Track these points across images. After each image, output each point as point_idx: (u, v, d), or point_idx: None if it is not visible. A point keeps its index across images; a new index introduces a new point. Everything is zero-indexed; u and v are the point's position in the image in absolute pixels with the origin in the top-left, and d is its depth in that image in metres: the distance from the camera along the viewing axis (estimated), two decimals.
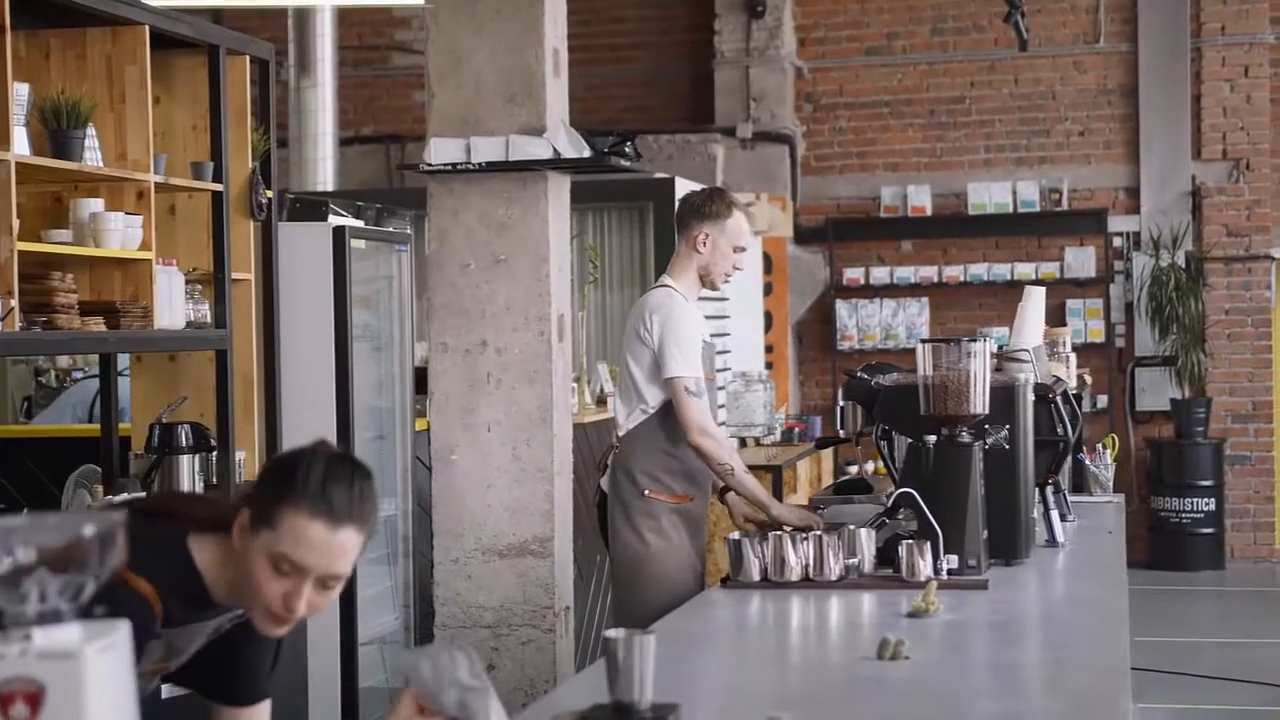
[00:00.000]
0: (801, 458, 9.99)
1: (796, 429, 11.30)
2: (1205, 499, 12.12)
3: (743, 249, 5.35)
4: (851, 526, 4.39)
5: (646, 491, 5.18)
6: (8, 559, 1.79)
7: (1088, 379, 9.26)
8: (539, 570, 5.62)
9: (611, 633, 2.68)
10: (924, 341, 4.48)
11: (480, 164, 5.70)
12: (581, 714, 2.66)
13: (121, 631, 1.81)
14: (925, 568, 4.18)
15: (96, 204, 5.15)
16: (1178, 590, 11.62)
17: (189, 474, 5.59)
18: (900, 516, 4.45)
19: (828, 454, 11.22)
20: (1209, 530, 12.15)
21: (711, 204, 5.32)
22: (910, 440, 4.53)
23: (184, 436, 5.57)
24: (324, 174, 10.44)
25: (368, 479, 2.59)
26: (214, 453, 5.69)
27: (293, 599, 2.51)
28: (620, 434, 5.28)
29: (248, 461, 5.97)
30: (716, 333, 10.50)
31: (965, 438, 4.41)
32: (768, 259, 12.40)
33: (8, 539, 1.80)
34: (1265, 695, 8.23)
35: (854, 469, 11.58)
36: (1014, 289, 12.43)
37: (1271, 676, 8.52)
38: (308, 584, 2.52)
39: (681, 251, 5.35)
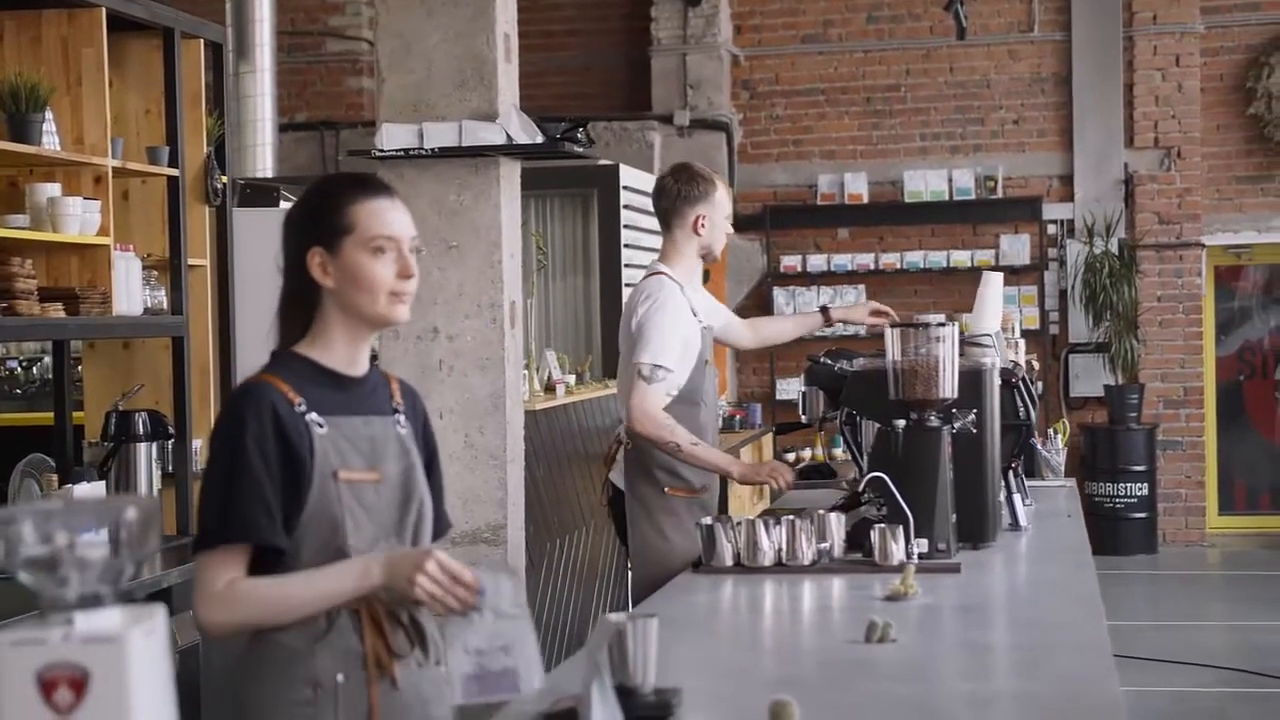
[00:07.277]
0: (744, 444, 10.03)
1: (737, 416, 11.35)
2: (1138, 484, 12.25)
3: (729, 214, 5.36)
4: (821, 511, 4.41)
5: (667, 489, 5.14)
6: (47, 544, 1.77)
7: (1035, 364, 9.32)
8: (491, 558, 5.60)
9: (615, 616, 2.69)
10: (893, 326, 4.50)
11: (432, 149, 5.67)
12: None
13: (159, 616, 1.80)
14: (899, 552, 4.20)
15: (54, 189, 5.08)
16: (1111, 574, 11.72)
17: (146, 462, 5.51)
18: (866, 501, 4.47)
19: (768, 440, 11.28)
20: (1142, 515, 12.28)
21: (698, 185, 5.25)
22: (879, 425, 4.54)
23: (141, 424, 5.49)
24: (264, 160, 10.32)
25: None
26: (171, 440, 5.62)
27: (405, 267, 2.83)
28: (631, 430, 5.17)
29: (204, 450, 5.90)
30: None
31: (934, 422, 4.43)
32: None
33: (46, 523, 1.78)
34: (1199, 676, 8.33)
35: (791, 456, 11.62)
36: (949, 276, 12.53)
37: (1204, 658, 8.63)
38: (405, 248, 2.84)
39: (678, 239, 5.26)
